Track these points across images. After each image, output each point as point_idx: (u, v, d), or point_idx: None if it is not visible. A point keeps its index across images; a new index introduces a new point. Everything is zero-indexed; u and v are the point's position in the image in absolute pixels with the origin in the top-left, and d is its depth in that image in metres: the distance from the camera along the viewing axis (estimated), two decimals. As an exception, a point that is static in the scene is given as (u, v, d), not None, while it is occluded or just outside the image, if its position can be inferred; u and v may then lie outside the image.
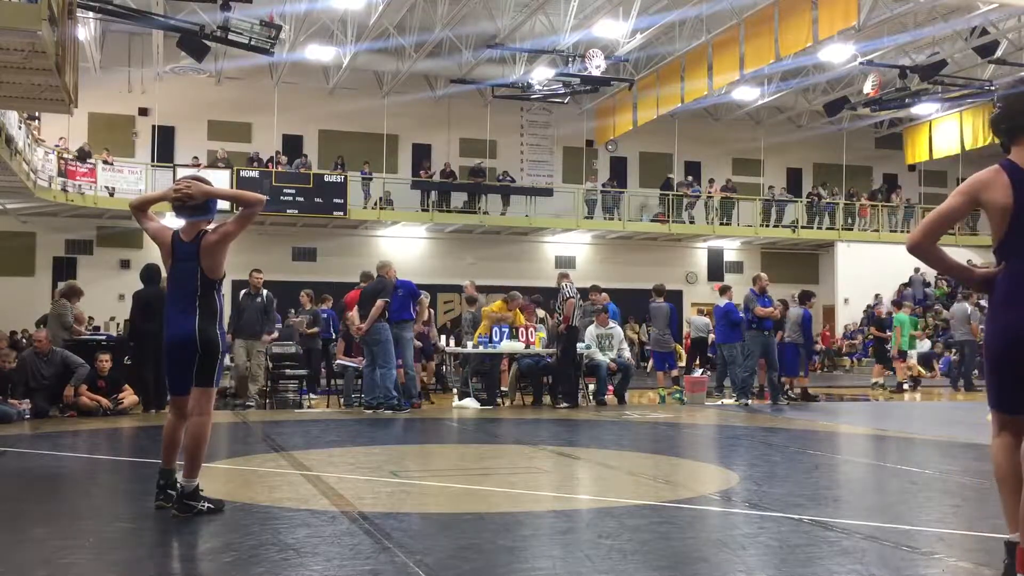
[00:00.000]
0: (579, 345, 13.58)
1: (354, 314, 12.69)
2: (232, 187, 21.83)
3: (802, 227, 30.56)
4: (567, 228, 28.92)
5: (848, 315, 30.04)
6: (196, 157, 26.20)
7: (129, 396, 11.89)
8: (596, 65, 22.97)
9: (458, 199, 28.25)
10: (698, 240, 31.20)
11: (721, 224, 30.12)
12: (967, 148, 28.88)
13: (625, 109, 28.17)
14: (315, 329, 15.54)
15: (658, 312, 15.51)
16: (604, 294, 14.86)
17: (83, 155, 23.99)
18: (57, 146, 23.47)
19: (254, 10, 19.75)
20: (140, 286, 12.27)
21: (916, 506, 5.93)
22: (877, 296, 29.06)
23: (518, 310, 13.97)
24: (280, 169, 25.97)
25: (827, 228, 30.95)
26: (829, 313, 30.42)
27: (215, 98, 27.35)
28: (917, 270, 29.70)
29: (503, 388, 14.25)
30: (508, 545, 4.63)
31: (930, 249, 3.77)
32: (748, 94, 28.30)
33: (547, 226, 28.73)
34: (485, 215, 27.81)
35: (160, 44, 23.87)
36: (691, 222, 30.00)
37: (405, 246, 27.96)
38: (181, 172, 21.61)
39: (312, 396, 14.38)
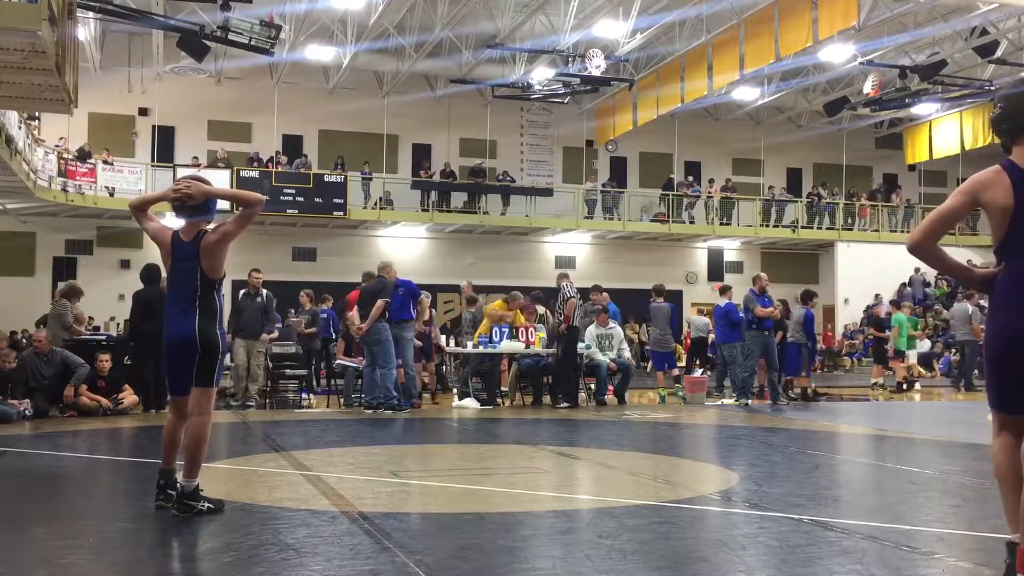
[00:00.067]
0: (579, 345, 13.58)
1: (354, 314, 12.69)
2: (232, 187, 21.83)
3: (802, 227, 30.56)
4: (567, 228, 28.92)
5: (848, 315, 30.04)
6: (196, 157, 26.20)
7: (129, 396, 11.89)
8: (596, 65, 22.97)
9: (458, 199, 28.26)
10: (698, 240, 31.20)
11: (721, 224, 30.12)
12: (967, 148, 28.88)
13: (625, 109, 28.17)
14: (313, 329, 15.53)
15: (658, 312, 15.51)
16: (605, 294, 14.86)
17: (83, 155, 23.99)
18: (57, 146, 23.47)
19: (254, 10, 19.75)
20: (140, 286, 12.27)
21: (916, 506, 5.93)
22: (877, 296, 29.06)
23: (518, 311, 13.96)
24: (280, 169, 25.97)
25: (827, 228, 30.95)
26: (829, 313, 30.42)
27: (215, 98, 27.35)
28: (917, 270, 29.70)
29: (503, 388, 14.24)
30: (508, 545, 4.63)
31: (930, 249, 3.77)
32: (748, 94, 28.30)
33: (547, 226, 28.73)
34: (485, 215, 27.81)
35: (160, 44, 23.87)
36: (691, 222, 30.01)
37: (405, 246, 27.96)
38: (181, 172, 21.61)
39: (308, 396, 14.37)
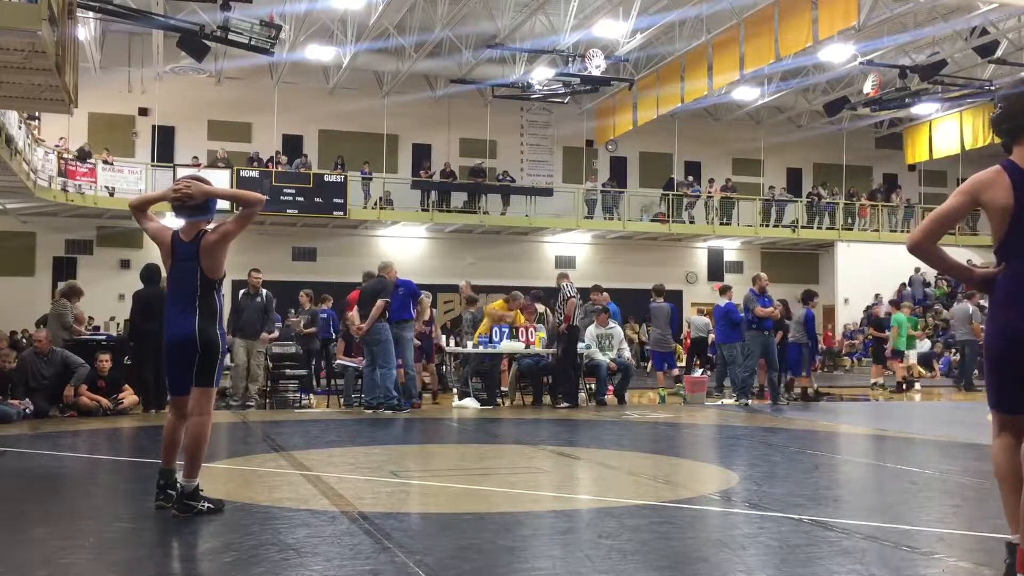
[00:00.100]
0: (579, 345, 13.58)
1: (354, 314, 12.69)
2: (232, 187, 21.82)
3: (802, 227, 30.56)
4: (567, 228, 28.92)
5: (848, 315, 30.03)
6: (196, 157, 26.20)
7: (129, 396, 11.89)
8: (596, 65, 22.97)
9: (458, 199, 28.26)
10: (698, 240, 31.20)
11: (721, 224, 30.12)
12: (967, 148, 28.88)
13: (625, 109, 28.16)
14: (312, 329, 15.52)
15: (659, 312, 15.51)
16: (605, 294, 14.86)
17: (83, 155, 23.99)
18: (57, 146, 23.47)
19: (254, 10, 19.75)
20: (140, 286, 12.27)
21: (916, 506, 5.93)
22: (877, 296, 29.07)
23: (519, 310, 13.96)
24: (280, 169, 25.97)
25: (827, 228, 30.95)
26: (829, 313, 30.42)
27: (215, 98, 27.35)
28: (917, 270, 29.71)
29: (503, 388, 14.24)
30: (508, 545, 4.63)
31: (930, 249, 3.77)
32: (748, 94, 28.29)
33: (547, 226, 28.73)
34: (485, 215, 27.81)
35: (160, 44, 23.87)
36: (691, 222, 30.00)
37: (405, 246, 27.96)
38: (181, 172, 21.61)
39: (308, 396, 14.37)
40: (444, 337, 16.36)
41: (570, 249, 29.94)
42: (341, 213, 26.11)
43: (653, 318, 15.93)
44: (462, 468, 7.81)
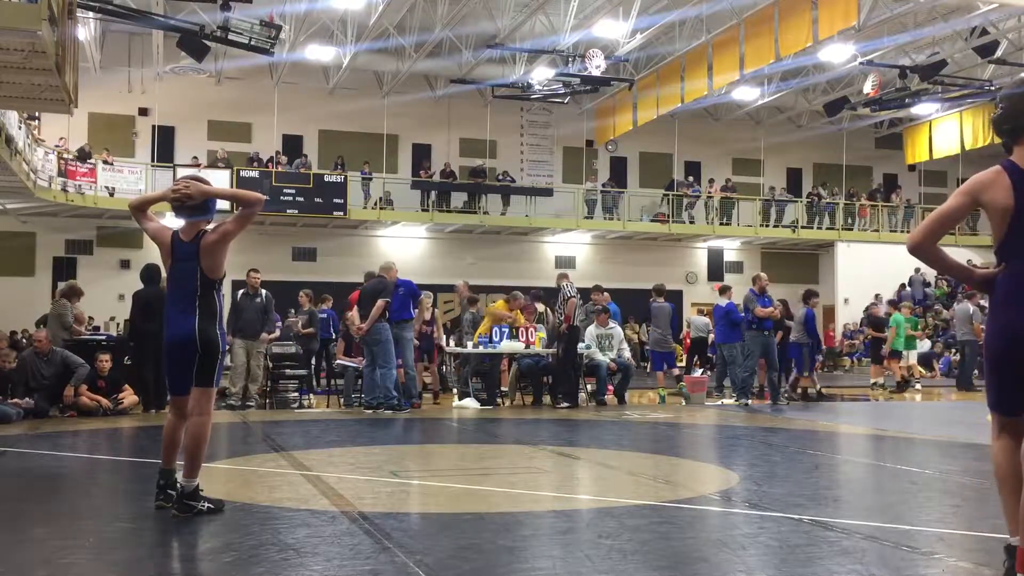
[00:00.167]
0: (579, 345, 13.58)
1: (354, 314, 12.69)
2: (232, 187, 21.82)
3: (802, 227, 30.56)
4: (567, 228, 28.92)
5: (848, 315, 30.03)
6: (196, 157, 26.21)
7: (129, 396, 11.89)
8: (596, 65, 22.98)
9: (458, 199, 28.26)
10: (698, 240, 31.20)
11: (721, 224, 30.12)
12: (967, 148, 28.89)
13: (625, 109, 28.17)
14: (311, 329, 15.51)
15: (660, 312, 15.51)
16: (606, 294, 14.85)
17: (83, 155, 23.99)
18: (57, 146, 23.47)
19: (254, 10, 19.75)
20: (140, 286, 12.27)
21: (916, 506, 5.93)
22: (877, 296, 29.07)
23: (519, 311, 13.96)
24: (280, 169, 25.98)
25: (827, 228, 30.95)
26: (829, 313, 30.42)
27: (215, 98, 27.35)
28: (917, 270, 29.71)
29: (503, 388, 14.24)
30: (508, 545, 4.63)
31: (931, 249, 3.77)
32: (748, 94, 28.30)
33: (547, 226, 28.73)
34: (485, 215, 27.82)
35: (160, 44, 23.87)
36: (691, 222, 30.01)
37: (405, 246, 27.96)
38: (181, 172, 21.61)
39: (308, 396, 14.36)
40: (445, 337, 16.34)
41: (570, 249, 29.94)
42: (341, 213, 26.11)
43: (654, 318, 15.92)
44: (462, 468, 7.81)
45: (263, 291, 13.38)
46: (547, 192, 28.98)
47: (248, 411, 12.51)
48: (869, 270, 29.57)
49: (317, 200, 25.72)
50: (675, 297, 25.05)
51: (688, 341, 22.16)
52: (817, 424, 11.44)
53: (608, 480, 7.16)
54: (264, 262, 18.55)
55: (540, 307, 14.78)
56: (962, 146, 29.06)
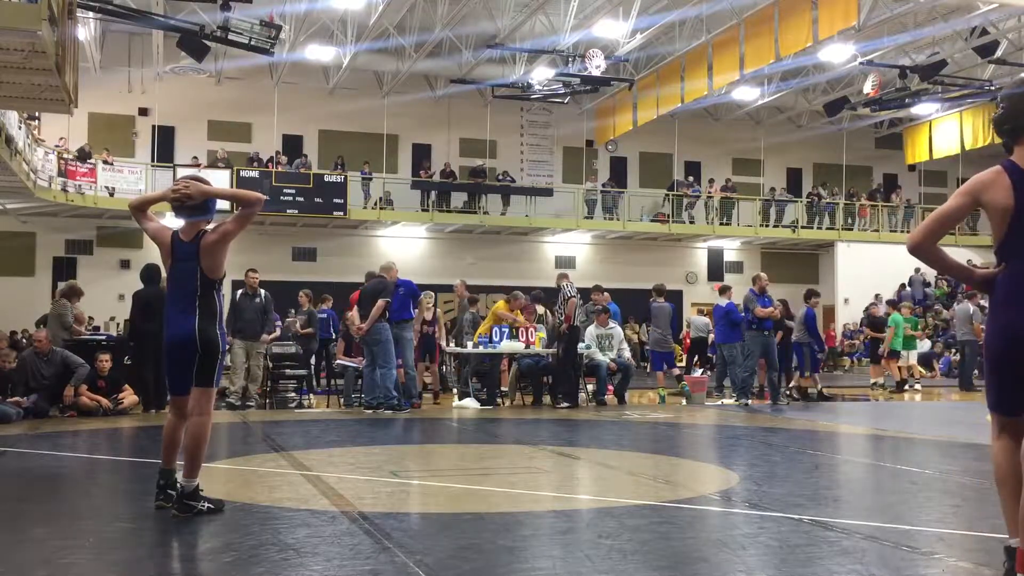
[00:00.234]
0: (579, 345, 13.58)
1: (354, 314, 12.69)
2: (232, 187, 21.82)
3: (802, 227, 30.56)
4: (567, 228, 28.93)
5: (848, 315, 30.03)
6: (196, 157, 26.21)
7: (129, 396, 11.89)
8: (596, 65, 22.98)
9: (458, 199, 28.26)
10: (698, 240, 31.20)
11: (721, 224, 30.13)
12: (967, 148, 28.89)
13: (625, 109, 28.17)
14: (310, 330, 15.51)
15: (660, 312, 15.51)
16: (606, 294, 14.85)
17: (83, 155, 23.99)
18: (57, 146, 23.47)
19: (254, 10, 19.75)
20: (140, 286, 12.27)
21: (916, 506, 5.93)
22: (877, 296, 29.07)
23: (519, 311, 13.96)
24: (280, 169, 25.98)
25: (827, 228, 30.96)
26: (829, 313, 30.42)
27: (215, 98, 27.35)
28: (917, 270, 29.71)
29: (503, 388, 14.24)
30: (508, 545, 4.63)
31: (931, 249, 3.76)
32: (748, 94, 28.30)
33: (547, 226, 28.73)
34: (485, 215, 27.82)
35: (160, 44, 23.87)
36: (691, 222, 30.01)
37: (405, 246, 27.95)
38: (181, 172, 21.61)
39: (308, 396, 14.37)
40: (445, 337, 16.32)
41: (570, 249, 29.94)
42: (341, 213, 26.11)
43: (654, 318, 15.92)
44: (462, 468, 7.81)
45: (262, 291, 13.38)
46: (547, 192, 28.98)
47: (248, 411, 12.51)
48: (869, 270, 29.57)
49: (317, 200, 25.72)
50: (675, 297, 25.07)
51: (688, 341, 22.18)
52: (817, 424, 11.44)
53: (608, 480, 7.16)
54: (264, 262, 18.56)
55: (540, 309, 14.78)
56: (962, 146, 29.07)
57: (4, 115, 15.79)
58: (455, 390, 14.32)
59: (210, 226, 5.45)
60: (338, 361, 13.80)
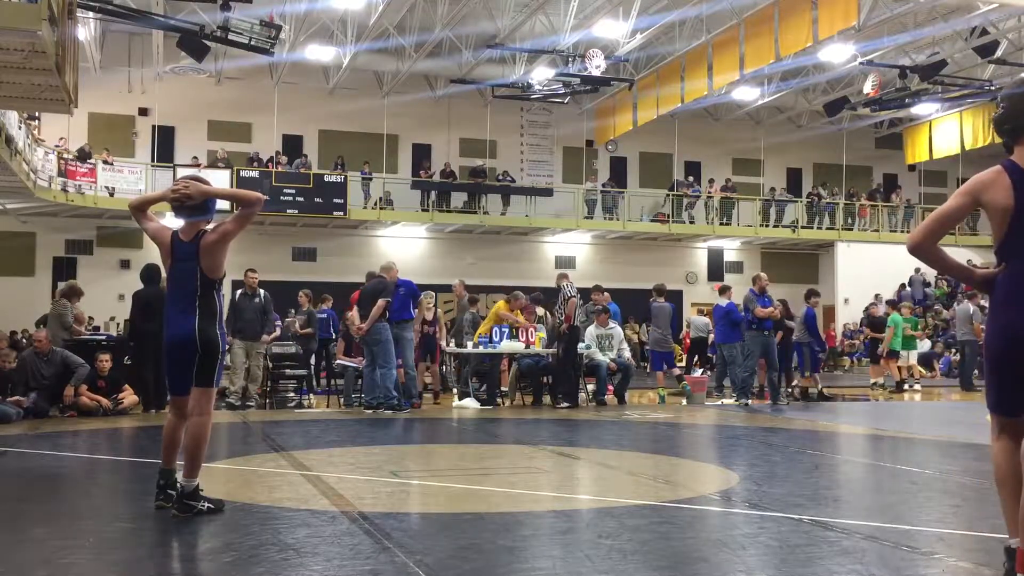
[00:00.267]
0: (579, 345, 13.58)
1: (354, 314, 12.69)
2: (232, 187, 21.82)
3: (802, 227, 30.56)
4: (567, 228, 28.93)
5: (848, 315, 30.04)
6: (196, 157, 26.21)
7: (129, 396, 11.89)
8: (596, 65, 22.98)
9: (458, 199, 28.27)
10: (698, 240, 31.20)
11: (721, 224, 30.13)
12: (967, 148, 28.89)
13: (625, 109, 28.17)
14: (309, 330, 15.51)
15: (660, 312, 15.51)
16: (606, 294, 14.85)
17: (83, 155, 23.99)
18: (57, 146, 23.47)
19: (254, 10, 19.75)
20: (140, 286, 12.27)
21: (916, 506, 5.93)
22: (877, 296, 29.08)
23: (519, 311, 13.96)
24: (280, 169, 25.98)
25: (827, 228, 30.96)
26: (829, 313, 30.42)
27: (215, 98, 27.35)
28: (917, 270, 29.71)
29: (503, 388, 14.24)
30: (508, 545, 4.63)
31: (931, 249, 3.76)
32: (748, 94, 28.30)
33: (547, 226, 28.74)
34: (485, 215, 27.82)
35: (160, 44, 23.88)
36: (691, 222, 30.02)
37: (405, 246, 27.95)
38: (181, 172, 21.61)
39: (308, 396, 14.37)
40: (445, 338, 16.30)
41: (570, 249, 29.95)
42: (341, 213, 26.11)
43: (654, 318, 15.92)
44: (462, 468, 7.81)
45: (261, 291, 13.36)
46: (547, 192, 28.98)
47: (248, 411, 12.51)
48: (869, 270, 29.57)
49: (317, 200, 25.73)
50: (675, 297, 25.07)
51: (688, 341, 22.18)
52: (817, 424, 11.44)
53: (608, 480, 7.16)
54: (264, 262, 18.57)
55: (540, 311, 14.77)
56: (962, 146, 29.07)
57: (4, 115, 15.79)
58: (455, 390, 14.32)
59: (210, 226, 5.45)
60: (338, 361, 13.80)
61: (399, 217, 27.30)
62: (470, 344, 13.89)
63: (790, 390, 15.02)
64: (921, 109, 28.74)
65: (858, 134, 32.69)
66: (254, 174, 25.18)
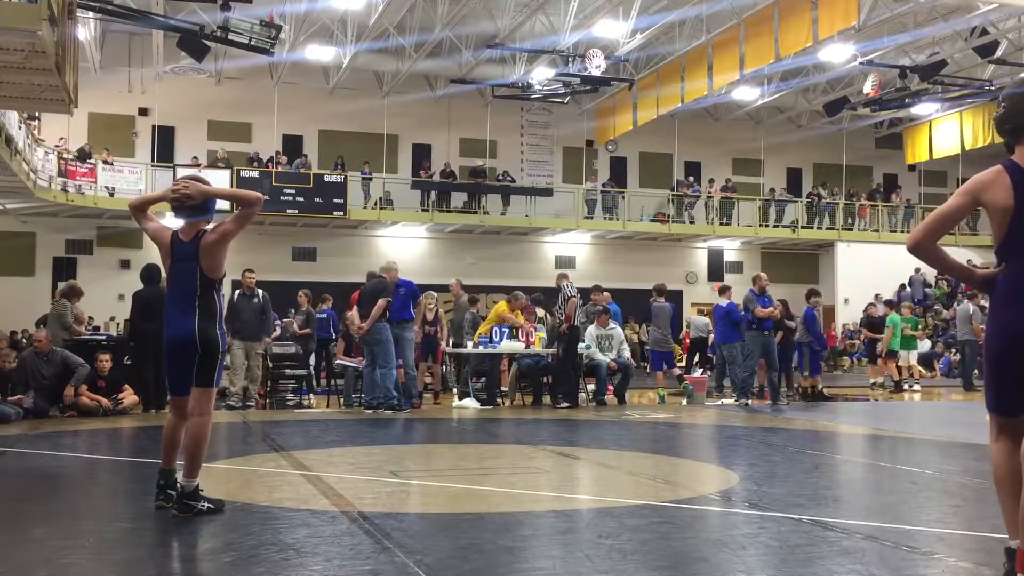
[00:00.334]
0: (579, 345, 13.58)
1: (354, 314, 12.69)
2: (232, 187, 21.82)
3: (802, 227, 30.57)
4: (567, 228, 28.93)
5: (848, 315, 30.04)
6: (196, 157, 26.21)
7: (129, 396, 11.89)
8: (596, 65, 22.98)
9: (458, 199, 28.27)
10: (698, 240, 31.20)
11: (721, 224, 30.13)
12: (967, 148, 28.89)
13: (625, 109, 28.17)
14: (308, 330, 15.51)
15: (661, 312, 15.51)
16: (606, 294, 14.85)
17: (83, 155, 24.00)
18: (57, 146, 23.47)
19: (254, 10, 19.75)
20: (140, 286, 12.27)
21: (916, 506, 5.92)
22: (877, 296, 29.08)
23: (519, 311, 13.96)
24: (280, 169, 25.98)
25: (827, 228, 30.96)
26: (829, 313, 30.40)
27: (215, 98, 27.35)
28: (917, 270, 29.71)
29: (503, 388, 14.24)
30: (508, 545, 4.63)
31: (931, 249, 3.76)
32: (748, 94, 28.30)
33: (547, 226, 28.74)
34: (485, 215, 27.82)
35: (160, 44, 23.88)
36: (691, 222, 30.02)
37: (405, 246, 27.95)
38: (181, 172, 21.61)
39: (308, 396, 14.37)
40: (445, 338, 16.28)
41: (570, 249, 29.95)
42: (341, 213, 26.11)
43: (654, 318, 15.92)
44: (462, 468, 7.81)
45: (260, 291, 13.32)
46: (547, 192, 28.98)
47: (248, 411, 12.51)
48: (869, 270, 29.57)
49: (317, 200, 25.73)
50: (675, 297, 25.06)
51: (688, 341, 22.18)
52: (817, 424, 11.44)
53: (608, 480, 7.16)
54: (264, 262, 18.58)
55: (540, 312, 14.77)
56: (962, 146, 29.07)
57: (4, 115, 15.79)
58: (455, 390, 14.32)
59: (210, 226, 5.45)
60: (338, 361, 13.80)
61: (399, 217, 27.30)
62: (470, 344, 13.89)
63: (792, 392, 15.01)
64: (921, 109, 28.74)
65: (858, 134, 32.69)
66: (254, 174, 25.18)
